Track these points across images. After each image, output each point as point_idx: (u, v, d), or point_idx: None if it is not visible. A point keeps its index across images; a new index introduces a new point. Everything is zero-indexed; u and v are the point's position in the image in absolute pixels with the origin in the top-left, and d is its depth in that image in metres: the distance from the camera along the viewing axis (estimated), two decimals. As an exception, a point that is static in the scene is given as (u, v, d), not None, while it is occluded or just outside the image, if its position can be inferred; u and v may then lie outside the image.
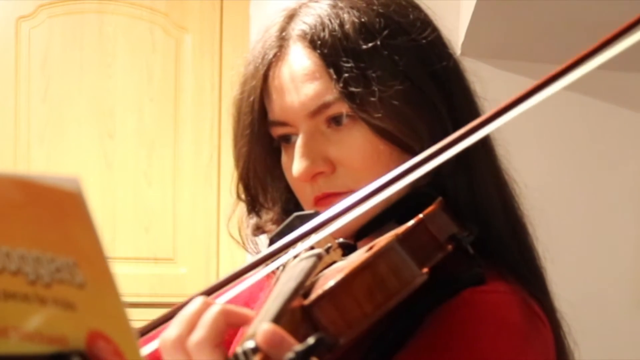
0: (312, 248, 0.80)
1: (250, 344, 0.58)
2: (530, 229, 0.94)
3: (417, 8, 0.93)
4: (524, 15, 1.95)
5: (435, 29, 0.92)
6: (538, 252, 0.94)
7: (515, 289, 0.84)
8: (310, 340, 0.54)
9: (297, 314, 0.66)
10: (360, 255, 0.73)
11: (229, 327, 0.66)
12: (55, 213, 0.46)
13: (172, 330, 0.66)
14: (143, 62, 2.69)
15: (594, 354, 1.98)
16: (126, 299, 0.50)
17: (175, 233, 2.69)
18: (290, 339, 0.58)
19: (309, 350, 0.54)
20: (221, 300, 0.80)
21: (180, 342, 0.65)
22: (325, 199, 0.88)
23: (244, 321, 0.67)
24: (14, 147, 2.61)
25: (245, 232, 0.99)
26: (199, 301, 0.67)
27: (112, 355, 0.46)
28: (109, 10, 2.69)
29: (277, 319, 0.61)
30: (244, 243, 0.99)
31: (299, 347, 0.54)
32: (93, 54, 2.66)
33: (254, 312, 0.68)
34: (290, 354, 0.53)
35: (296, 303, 0.67)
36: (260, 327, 0.58)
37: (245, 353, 0.58)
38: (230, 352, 0.61)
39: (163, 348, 0.66)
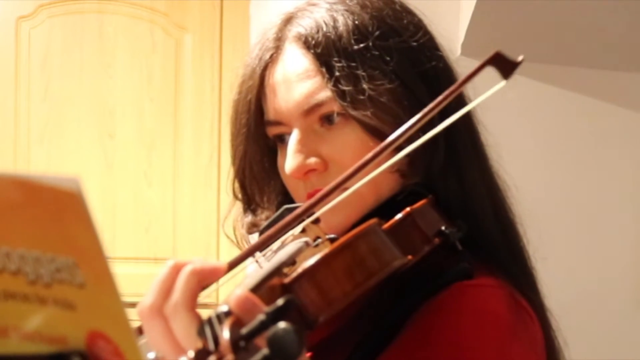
0: (302, 238, 0.82)
1: (223, 308, 0.60)
2: (521, 230, 0.95)
3: (410, 13, 0.95)
4: (524, 15, 1.95)
5: (427, 33, 0.94)
6: (528, 252, 0.95)
7: (503, 284, 0.85)
8: (280, 301, 0.55)
9: (277, 291, 0.68)
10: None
11: (203, 285, 0.68)
12: (55, 213, 0.46)
13: (148, 298, 0.68)
14: (143, 62, 2.69)
15: (593, 354, 1.98)
16: (126, 299, 0.50)
17: (175, 233, 2.69)
18: (261, 304, 0.60)
19: (279, 311, 0.54)
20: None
21: (157, 308, 0.68)
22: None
23: (215, 275, 0.69)
24: (14, 147, 2.61)
25: (241, 231, 1.00)
26: (169, 265, 0.70)
27: (112, 355, 0.46)
28: (109, 10, 2.69)
29: (254, 290, 0.64)
30: (239, 243, 1.00)
31: (269, 308, 0.54)
32: (93, 54, 2.66)
33: (224, 263, 0.70)
34: (261, 316, 0.54)
35: (276, 281, 0.69)
36: (234, 292, 0.60)
37: (218, 316, 0.60)
38: None
39: (141, 316, 0.68)
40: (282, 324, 0.52)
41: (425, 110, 0.76)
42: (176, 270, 0.69)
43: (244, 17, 2.73)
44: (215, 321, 0.59)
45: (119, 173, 2.66)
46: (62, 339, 0.45)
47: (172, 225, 2.68)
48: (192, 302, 0.66)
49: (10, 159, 2.60)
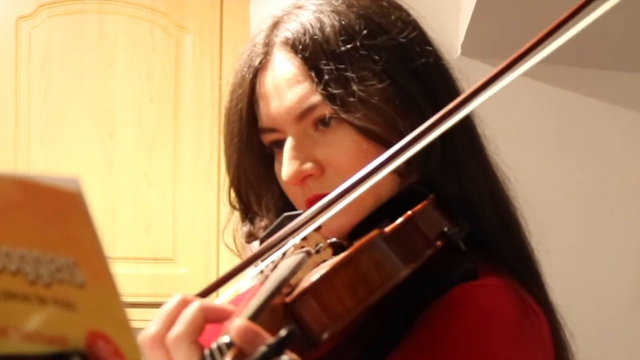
0: (303, 247, 0.81)
1: (224, 339, 0.59)
2: (523, 223, 0.95)
3: (398, 8, 0.93)
4: (524, 15, 1.95)
5: (416, 28, 0.92)
6: (531, 245, 0.94)
7: (508, 283, 0.84)
8: (282, 332, 0.54)
9: (279, 311, 0.67)
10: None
11: (208, 323, 0.67)
12: (55, 213, 0.46)
13: (151, 327, 0.67)
14: (143, 62, 2.69)
15: (593, 353, 1.98)
16: (126, 299, 0.50)
17: (175, 233, 2.69)
18: (264, 333, 0.59)
19: (281, 343, 0.53)
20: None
21: (159, 338, 0.66)
22: (316, 201, 0.88)
23: (222, 316, 0.68)
24: (14, 147, 2.61)
25: (240, 240, 0.99)
26: (177, 298, 0.68)
27: (112, 355, 0.46)
28: (109, 10, 2.69)
29: (255, 315, 0.62)
30: (239, 252, 1.00)
31: (271, 340, 0.54)
32: (93, 54, 2.66)
33: (233, 307, 0.69)
34: (263, 348, 0.53)
35: (278, 300, 0.68)
36: (235, 322, 0.59)
37: (219, 348, 0.59)
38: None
39: (143, 345, 0.67)
40: (284, 358, 0.52)
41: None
42: (183, 303, 0.68)
43: (244, 17, 2.73)
44: (216, 353, 0.58)
45: (119, 173, 2.65)
46: (62, 339, 0.45)
47: (172, 225, 2.68)
48: (194, 335, 0.65)
49: (10, 159, 2.60)
